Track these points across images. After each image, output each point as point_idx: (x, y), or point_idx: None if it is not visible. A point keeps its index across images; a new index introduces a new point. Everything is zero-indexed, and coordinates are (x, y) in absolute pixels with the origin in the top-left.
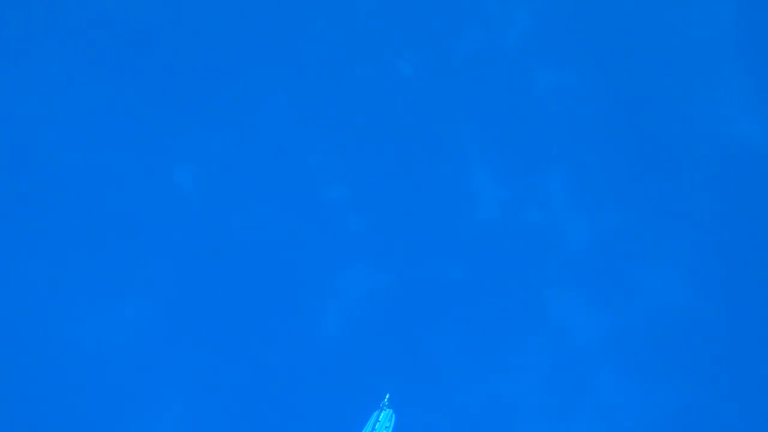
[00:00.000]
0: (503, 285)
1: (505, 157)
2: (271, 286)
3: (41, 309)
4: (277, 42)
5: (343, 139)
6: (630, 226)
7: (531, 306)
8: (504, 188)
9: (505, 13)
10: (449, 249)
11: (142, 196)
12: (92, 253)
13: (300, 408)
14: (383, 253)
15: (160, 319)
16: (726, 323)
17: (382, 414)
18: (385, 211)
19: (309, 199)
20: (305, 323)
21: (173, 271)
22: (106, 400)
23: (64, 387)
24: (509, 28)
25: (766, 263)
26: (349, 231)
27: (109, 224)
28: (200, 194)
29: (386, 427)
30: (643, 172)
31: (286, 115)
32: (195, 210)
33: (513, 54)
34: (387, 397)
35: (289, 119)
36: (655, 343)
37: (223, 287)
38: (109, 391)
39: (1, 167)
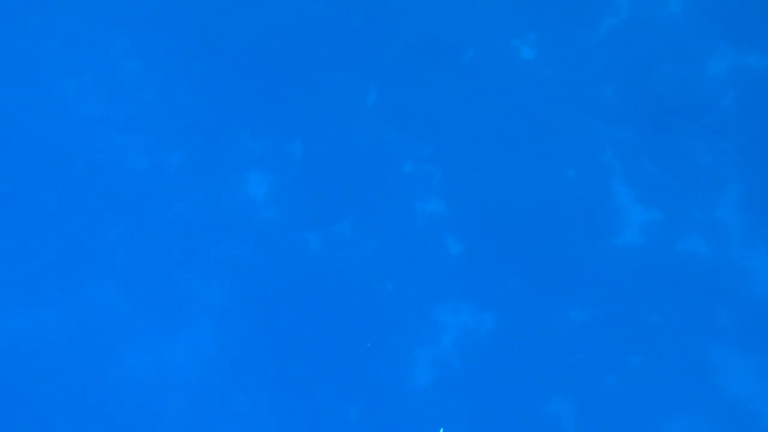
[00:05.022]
0: (649, 339)
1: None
2: (350, 318)
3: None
4: None
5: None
6: None
7: (690, 371)
8: (653, 207)
9: None
10: (574, 285)
11: (208, 207)
12: (152, 273)
13: None
14: (486, 284)
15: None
16: None
17: None
18: (487, 229)
19: (399, 214)
20: (391, 370)
21: (238, 292)
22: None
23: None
24: None
25: None
26: (445, 256)
27: (172, 239)
28: (272, 206)
29: None
30: None
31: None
32: (267, 224)
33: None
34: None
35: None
36: None
37: (297, 316)
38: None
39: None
